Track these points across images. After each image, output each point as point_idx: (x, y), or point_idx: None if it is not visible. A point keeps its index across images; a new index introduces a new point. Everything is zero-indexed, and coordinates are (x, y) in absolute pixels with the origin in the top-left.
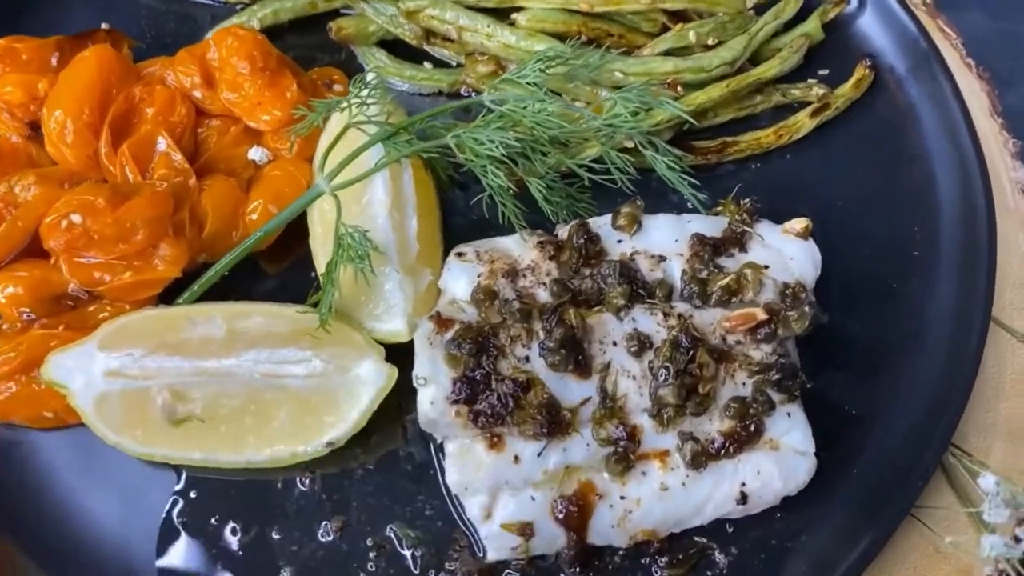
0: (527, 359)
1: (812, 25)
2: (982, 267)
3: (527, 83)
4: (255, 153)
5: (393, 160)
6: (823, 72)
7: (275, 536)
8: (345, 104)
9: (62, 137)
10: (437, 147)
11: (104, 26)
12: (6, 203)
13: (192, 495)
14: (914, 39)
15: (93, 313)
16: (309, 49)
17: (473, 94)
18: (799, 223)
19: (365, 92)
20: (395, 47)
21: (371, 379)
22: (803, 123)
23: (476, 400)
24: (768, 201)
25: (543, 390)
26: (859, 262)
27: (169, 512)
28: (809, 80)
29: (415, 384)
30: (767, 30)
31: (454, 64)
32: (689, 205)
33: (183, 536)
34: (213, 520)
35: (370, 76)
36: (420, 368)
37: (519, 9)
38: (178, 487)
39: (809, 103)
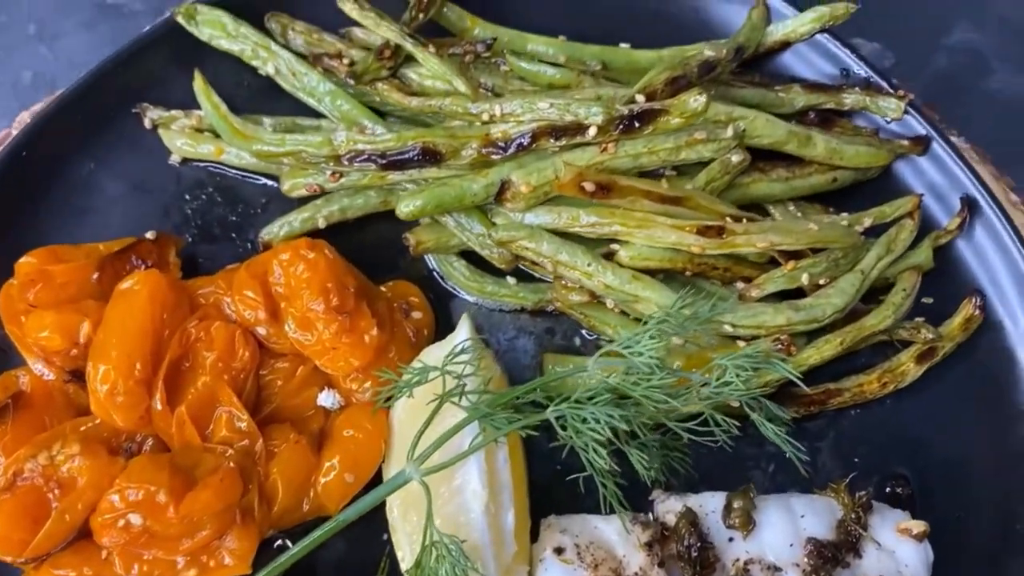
0: None
1: (924, 255)
2: None
3: (643, 362)
4: (326, 399)
5: (489, 441)
6: (927, 301)
7: None
8: (437, 375)
9: (111, 399)
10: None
11: (149, 235)
12: (47, 478)
13: None
14: None
15: None
16: (376, 248)
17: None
18: (917, 526)
19: (462, 366)
20: (473, 253)
21: None
22: (908, 369)
23: None
24: (867, 454)
25: None
26: (963, 532)
27: None
28: (916, 319)
29: None
30: (880, 267)
31: (538, 276)
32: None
33: None
34: None
35: (463, 339)
36: None
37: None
38: None
39: (910, 342)
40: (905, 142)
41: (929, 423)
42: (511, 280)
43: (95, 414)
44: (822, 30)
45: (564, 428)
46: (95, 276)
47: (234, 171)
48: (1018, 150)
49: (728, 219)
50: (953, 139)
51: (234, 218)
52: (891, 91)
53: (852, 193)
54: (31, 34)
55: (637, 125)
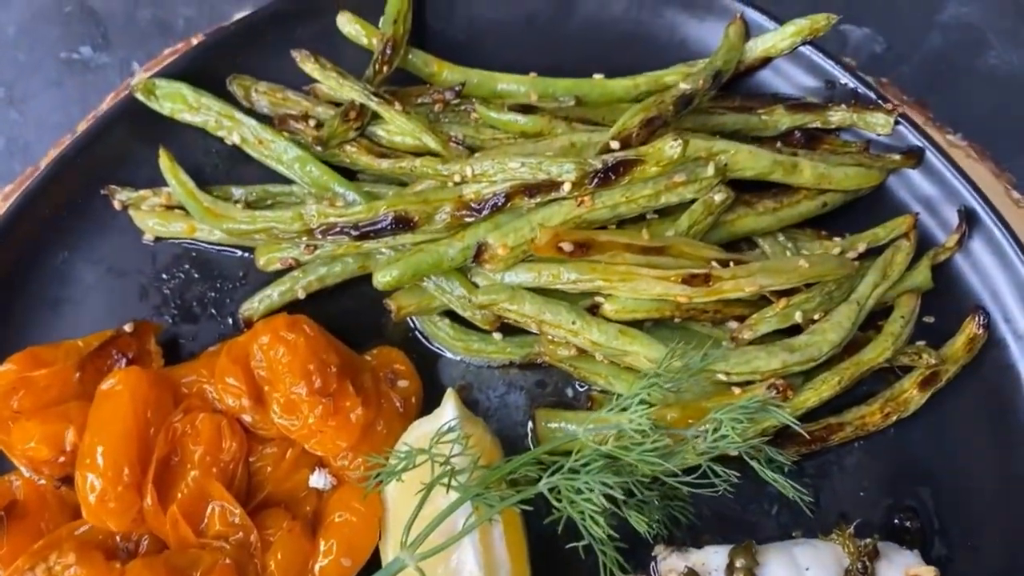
0: None
1: (922, 276)
2: None
3: (634, 429)
4: (317, 480)
5: (483, 521)
6: (928, 320)
7: None
8: (425, 458)
9: (102, 506)
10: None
11: (127, 327)
12: None
13: None
14: None
15: None
16: (357, 313)
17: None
18: (926, 573)
19: (451, 447)
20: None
21: None
22: (912, 397)
23: None
24: (872, 488)
25: None
26: (974, 562)
27: None
28: (917, 343)
29: None
30: (877, 295)
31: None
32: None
33: None
34: None
35: (449, 418)
36: None
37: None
38: None
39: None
40: (897, 157)
41: (935, 450)
42: (497, 336)
43: (85, 517)
44: (803, 43)
45: (559, 499)
46: (77, 376)
47: (209, 245)
48: (1018, 138)
49: (714, 264)
50: (949, 137)
51: (213, 294)
52: (879, 103)
53: (844, 210)
54: (0, 98)
55: (612, 177)
